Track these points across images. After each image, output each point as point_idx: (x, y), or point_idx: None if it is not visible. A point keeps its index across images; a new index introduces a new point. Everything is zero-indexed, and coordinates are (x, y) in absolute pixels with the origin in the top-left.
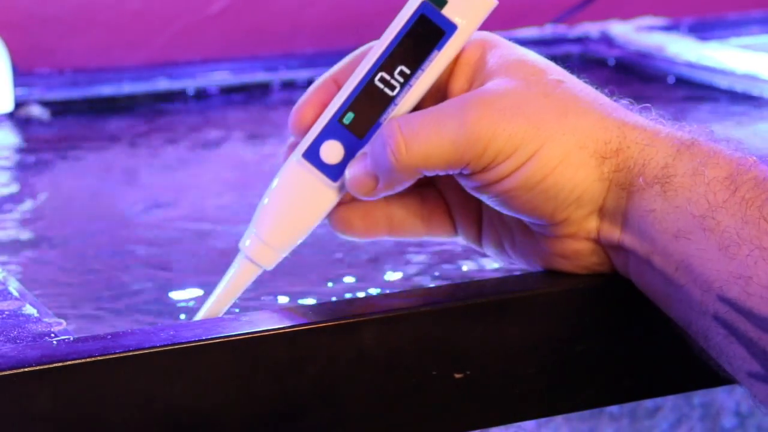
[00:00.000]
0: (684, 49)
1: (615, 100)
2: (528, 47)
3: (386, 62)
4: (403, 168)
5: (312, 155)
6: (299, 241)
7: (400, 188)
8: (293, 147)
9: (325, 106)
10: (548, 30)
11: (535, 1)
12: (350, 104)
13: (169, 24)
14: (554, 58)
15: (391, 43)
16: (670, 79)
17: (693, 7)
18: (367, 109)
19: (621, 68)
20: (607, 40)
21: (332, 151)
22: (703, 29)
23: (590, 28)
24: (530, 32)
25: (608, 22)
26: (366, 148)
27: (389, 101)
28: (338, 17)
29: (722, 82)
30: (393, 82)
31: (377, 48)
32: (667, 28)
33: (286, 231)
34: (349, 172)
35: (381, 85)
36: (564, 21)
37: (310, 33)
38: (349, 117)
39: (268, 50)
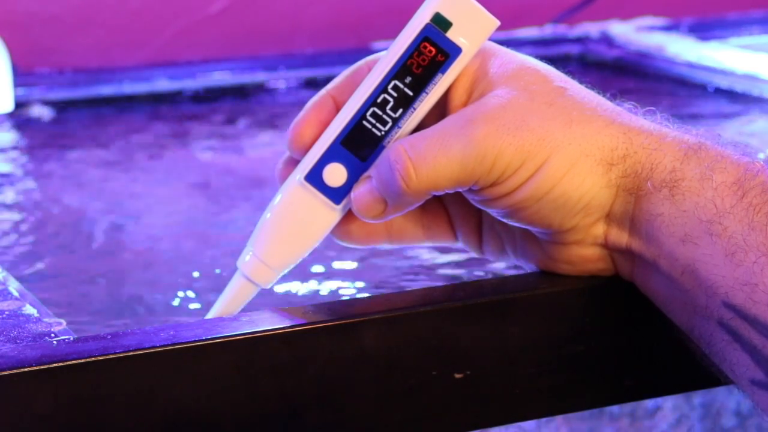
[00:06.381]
0: (684, 49)
1: (618, 104)
2: (528, 47)
3: (389, 85)
4: (413, 192)
5: (314, 178)
6: (298, 261)
7: (408, 210)
8: (289, 163)
9: (323, 124)
10: (548, 30)
11: (535, 1)
12: (353, 127)
13: (169, 24)
14: (554, 59)
15: (395, 65)
16: (671, 80)
17: (693, 7)
18: (370, 132)
19: (621, 68)
20: (607, 40)
21: (335, 174)
22: (703, 29)
23: (590, 28)
24: (530, 32)
25: (608, 22)
26: (371, 172)
27: (393, 124)
28: (338, 17)
29: (722, 82)
30: (397, 105)
31: (380, 70)
32: (667, 28)
33: (285, 252)
34: (355, 197)
35: (384, 108)
36: (564, 21)
37: (310, 33)
38: (351, 140)
39: (268, 50)
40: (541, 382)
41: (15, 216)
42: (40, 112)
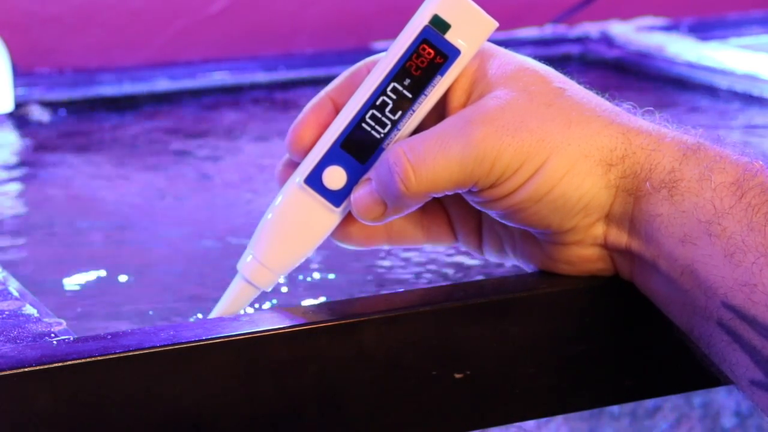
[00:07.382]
0: (684, 49)
1: (617, 104)
2: (528, 47)
3: (388, 87)
4: (412, 194)
5: (314, 181)
6: (297, 264)
7: (408, 212)
8: (289, 165)
9: (323, 126)
10: (548, 30)
11: (535, 1)
12: (352, 129)
13: (169, 24)
14: (554, 59)
15: (394, 68)
16: (671, 80)
17: (693, 7)
18: (369, 135)
19: (621, 68)
20: (607, 40)
21: (335, 177)
22: (703, 29)
23: (590, 28)
24: (530, 32)
25: (608, 22)
26: (371, 174)
27: (392, 126)
28: (338, 17)
29: (722, 82)
30: (396, 107)
31: (379, 72)
32: (667, 28)
33: (285, 255)
34: (355, 199)
35: (383, 111)
36: (564, 21)
37: (310, 33)
38: (351, 142)
39: (268, 50)
40: (541, 382)
41: (14, 215)
42: (40, 112)
